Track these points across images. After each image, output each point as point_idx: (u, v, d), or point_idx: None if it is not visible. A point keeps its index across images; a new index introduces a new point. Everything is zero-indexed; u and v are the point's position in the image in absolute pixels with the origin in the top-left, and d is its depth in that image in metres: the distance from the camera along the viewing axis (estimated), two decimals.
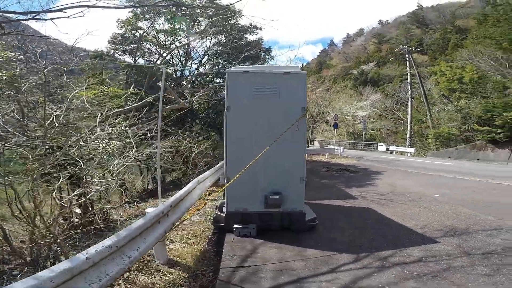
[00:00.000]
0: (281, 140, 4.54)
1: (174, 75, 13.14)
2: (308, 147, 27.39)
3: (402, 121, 30.73)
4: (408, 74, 27.52)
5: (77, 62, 8.85)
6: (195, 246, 4.05)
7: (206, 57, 13.33)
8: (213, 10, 10.98)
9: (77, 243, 3.93)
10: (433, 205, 6.73)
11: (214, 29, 12.04)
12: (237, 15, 11.32)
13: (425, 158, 22.41)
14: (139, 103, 7.67)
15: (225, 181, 4.78)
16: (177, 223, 3.86)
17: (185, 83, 12.83)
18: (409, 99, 26.99)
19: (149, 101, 7.97)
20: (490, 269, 3.23)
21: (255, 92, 4.65)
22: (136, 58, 11.23)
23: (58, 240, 3.56)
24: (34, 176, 4.06)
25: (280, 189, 4.65)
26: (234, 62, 12.30)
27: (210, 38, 11.64)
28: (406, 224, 5.18)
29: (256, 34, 14.36)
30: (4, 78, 5.15)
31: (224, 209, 4.92)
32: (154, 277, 3.11)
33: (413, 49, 30.65)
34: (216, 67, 13.68)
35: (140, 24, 11.44)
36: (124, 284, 2.93)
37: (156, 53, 12.65)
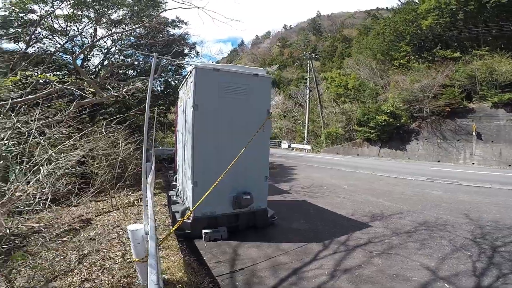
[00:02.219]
0: (245, 141, 4.76)
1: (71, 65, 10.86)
2: None
3: (300, 121, 35.56)
4: (308, 78, 32.19)
5: None
6: (173, 259, 3.80)
7: (116, 47, 11.60)
8: None
9: None
10: (348, 195, 8.45)
11: (131, 19, 10.69)
12: (162, 5, 10.46)
13: (319, 154, 26.90)
14: (38, 94, 6.17)
15: (191, 185, 4.63)
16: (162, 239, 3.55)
17: (103, 76, 10.88)
18: (307, 101, 31.63)
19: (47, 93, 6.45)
20: (418, 244, 4.51)
21: (224, 91, 4.70)
22: (27, 45, 8.68)
23: None
24: None
25: (248, 189, 4.89)
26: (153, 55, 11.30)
27: (128, 30, 10.20)
28: (340, 212, 6.39)
29: (180, 29, 13.65)
30: None
31: (189, 215, 4.75)
32: None
33: (313, 55, 35.72)
34: (130, 59, 12.20)
35: (34, 6, 8.83)
36: None
37: (50, 40, 10.09)
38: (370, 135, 23.63)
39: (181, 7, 5.39)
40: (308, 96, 31.42)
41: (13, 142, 4.34)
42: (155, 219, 4.52)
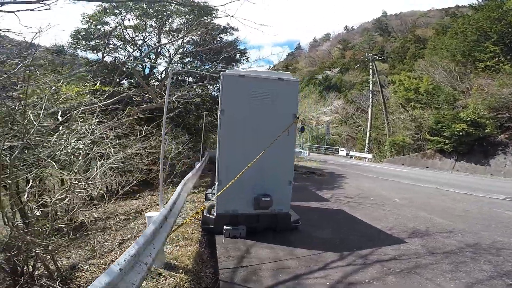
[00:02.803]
0: (273, 144, 4.90)
1: (143, 73, 12.70)
2: None
3: (362, 128, 33.38)
4: (370, 82, 30.15)
5: (36, 57, 8.15)
6: (189, 249, 4.20)
7: (178, 56, 13.12)
8: (188, 7, 10.90)
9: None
10: (396, 208, 7.71)
11: (188, 27, 11.97)
12: (213, 13, 11.43)
13: (381, 164, 24.80)
14: (111, 100, 7.41)
15: (216, 183, 4.99)
16: (175, 226, 3.98)
17: (154, 82, 12.51)
18: (370, 106, 29.56)
19: (118, 99, 7.70)
20: (451, 266, 3.96)
21: (249, 97, 4.94)
22: (103, 55, 10.63)
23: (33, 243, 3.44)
24: None
25: (269, 191, 4.99)
26: (208, 62, 12.34)
27: (182, 37, 11.48)
28: (376, 226, 5.92)
29: (232, 35, 14.57)
30: None
31: (213, 211, 5.12)
32: (158, 281, 3.22)
33: (376, 57, 33.39)
34: (190, 66, 13.58)
35: (107, 19, 10.85)
36: None
37: (123, 50, 12.13)
38: (444, 146, 20.70)
39: (214, 17, 5.86)
40: (371, 100, 29.37)
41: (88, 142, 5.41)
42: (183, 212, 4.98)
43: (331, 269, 3.75)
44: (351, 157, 30.27)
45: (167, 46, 12.42)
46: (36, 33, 8.06)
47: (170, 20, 11.79)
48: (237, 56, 14.45)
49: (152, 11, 11.54)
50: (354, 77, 49.85)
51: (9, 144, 4.35)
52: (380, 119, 30.81)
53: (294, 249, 4.42)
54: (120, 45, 11.79)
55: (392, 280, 3.49)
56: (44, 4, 5.11)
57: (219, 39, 13.24)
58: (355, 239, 5.02)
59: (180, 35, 11.53)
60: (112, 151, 5.53)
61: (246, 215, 4.99)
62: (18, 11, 5.19)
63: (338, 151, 33.28)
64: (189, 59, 13.32)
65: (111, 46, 11.80)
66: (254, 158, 4.65)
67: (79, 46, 11.21)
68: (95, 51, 11.30)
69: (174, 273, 3.41)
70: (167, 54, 13.04)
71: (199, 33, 11.42)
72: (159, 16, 11.49)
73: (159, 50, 12.23)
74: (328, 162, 24.10)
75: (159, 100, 7.69)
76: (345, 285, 3.33)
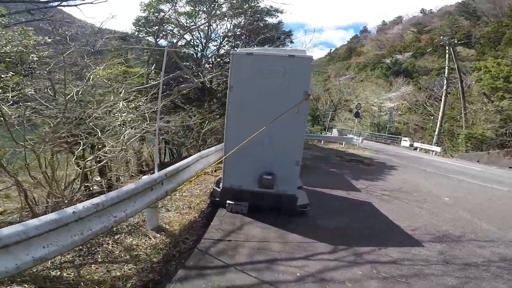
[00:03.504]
0: (281, 122, 4.56)
1: (195, 56, 13.26)
2: (325, 134, 26.93)
3: (432, 117, 28.89)
4: (446, 67, 25.45)
5: (103, 43, 9.30)
6: (186, 217, 4.36)
7: (226, 39, 13.18)
8: None
9: None
10: (437, 208, 6.55)
11: (234, 11, 11.82)
12: None
13: (450, 159, 21.25)
14: (155, 82, 8.03)
15: (224, 158, 4.98)
16: (171, 192, 4.14)
17: (204, 64, 12.91)
18: (444, 94, 25.19)
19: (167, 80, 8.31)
20: (459, 281, 3.19)
21: (258, 74, 4.66)
22: (158, 40, 11.43)
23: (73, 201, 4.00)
24: (53, 143, 4.55)
25: (274, 170, 4.75)
26: (252, 44, 12.09)
27: (229, 20, 11.46)
28: (399, 224, 5.12)
29: (277, 17, 13.91)
30: (35, 59, 5.69)
31: (221, 185, 5.16)
32: (140, 240, 3.44)
33: (456, 41, 27.84)
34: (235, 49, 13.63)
35: (162, 6, 11.49)
36: (112, 244, 3.29)
37: (178, 34, 12.76)
38: None
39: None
40: (445, 87, 24.96)
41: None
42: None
43: (313, 261, 3.40)
44: (416, 148, 26.70)
45: (217, 30, 12.63)
46: (102, 22, 9.01)
47: (216, 5, 11.86)
48: (282, 38, 13.79)
49: None
50: (430, 63, 42.84)
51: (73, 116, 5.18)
52: (456, 109, 26.15)
53: (288, 233, 4.15)
54: (175, 30, 12.49)
55: (372, 285, 2.97)
56: None
57: (263, 21, 12.81)
58: (362, 234, 4.44)
59: (226, 19, 11.56)
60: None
61: (249, 192, 4.87)
62: (80, 4, 6.02)
63: (400, 141, 29.75)
64: (237, 42, 13.30)
65: (168, 31, 12.60)
66: (261, 134, 4.47)
67: (140, 33, 12.31)
68: (153, 36, 12.25)
69: (159, 235, 3.60)
70: (216, 38, 13.33)
71: (243, 16, 11.22)
72: (208, 2, 11.65)
73: (209, 34, 12.55)
74: (385, 151, 21.78)
75: (195, 80, 7.98)
76: (316, 279, 2.97)
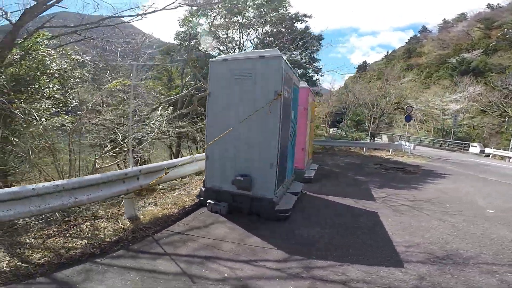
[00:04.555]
0: (255, 124, 4.47)
1: None
2: (372, 140, 24.45)
3: (507, 119, 23.41)
4: None
5: (149, 57, 10.64)
6: (165, 211, 4.53)
7: (261, 46, 13.37)
8: None
9: None
10: (467, 221, 5.27)
11: (261, 19, 11.97)
12: (285, 4, 10.89)
13: None
14: (183, 93, 8.81)
15: (205, 159, 5.07)
16: (147, 187, 4.42)
17: None
18: None
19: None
20: None
21: (233, 78, 4.66)
22: (192, 51, 12.33)
23: None
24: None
25: (251, 173, 4.60)
26: (284, 51, 11.97)
27: (257, 28, 11.65)
28: (396, 238, 4.23)
29: (306, 22, 13.51)
30: (84, 74, 6.85)
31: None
32: (110, 224, 3.75)
33: None
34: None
35: (200, 20, 12.47)
36: (88, 225, 3.68)
37: (216, 48, 13.59)
38: None
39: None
40: None
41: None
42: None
43: (252, 266, 3.10)
44: (487, 155, 22.02)
45: (249, 39, 12.96)
46: (145, 38, 10.31)
47: (246, 13, 12.17)
48: (312, 42, 13.24)
49: (236, 11, 12.26)
50: (505, 60, 34.99)
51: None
52: None
53: (251, 236, 3.88)
54: (212, 42, 13.30)
55: None
56: (142, 16, 6.82)
57: (293, 28, 12.57)
58: (337, 247, 3.78)
59: (256, 27, 11.78)
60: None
61: (228, 193, 4.81)
62: (132, 21, 7.18)
63: (468, 147, 24.97)
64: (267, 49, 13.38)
65: (207, 44, 13.51)
66: (237, 136, 4.50)
67: (182, 46, 13.46)
68: (193, 50, 13.24)
69: (128, 222, 3.85)
70: (249, 45, 13.65)
71: (272, 23, 11.28)
72: (241, 13, 12.08)
73: (242, 43, 12.97)
74: (443, 159, 18.61)
75: None
76: (238, 284, 2.71)
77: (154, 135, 6.67)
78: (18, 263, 2.51)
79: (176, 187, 6.43)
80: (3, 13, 5.65)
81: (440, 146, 28.94)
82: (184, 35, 13.32)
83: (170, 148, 12.69)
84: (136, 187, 4.13)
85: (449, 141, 27.90)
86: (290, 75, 5.18)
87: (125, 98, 8.11)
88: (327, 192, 7.03)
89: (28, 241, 3.02)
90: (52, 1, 5.50)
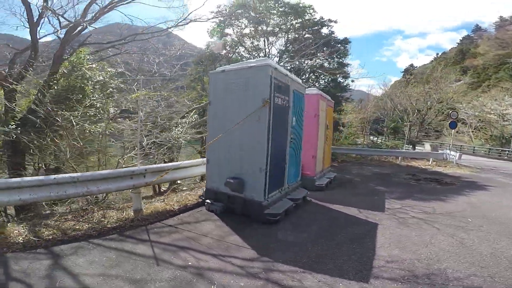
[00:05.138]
0: (248, 130, 4.72)
1: None
2: (412, 149, 22.34)
3: None
4: None
5: (181, 68, 11.72)
6: (167, 207, 5.05)
7: (286, 54, 13.54)
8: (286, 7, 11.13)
9: None
10: (479, 239, 4.63)
11: (285, 26, 12.12)
12: (306, 9, 10.87)
13: None
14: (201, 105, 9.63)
15: (206, 162, 5.48)
16: (153, 184, 4.99)
17: None
18: None
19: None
20: None
21: (229, 88, 5.01)
22: (223, 62, 13.04)
23: None
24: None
25: (243, 176, 4.85)
26: (310, 58, 11.96)
27: (281, 36, 11.83)
28: (381, 252, 3.91)
29: (332, 27, 13.20)
30: (119, 85, 7.97)
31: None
32: (116, 214, 4.37)
33: None
34: (295, 63, 13.75)
35: (226, 30, 13.17)
36: (100, 213, 4.35)
37: (244, 58, 14.17)
38: None
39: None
40: None
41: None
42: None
43: (217, 260, 3.31)
44: None
45: (276, 46, 13.26)
46: (179, 49, 11.41)
47: (271, 21, 12.46)
48: (338, 46, 12.84)
49: (261, 19, 12.67)
50: None
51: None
52: None
53: (233, 235, 4.08)
54: (239, 51, 13.92)
55: None
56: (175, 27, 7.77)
57: (319, 33, 12.44)
58: (308, 255, 3.67)
59: (280, 36, 12.01)
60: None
61: (224, 194, 5.11)
62: (168, 33, 8.24)
63: None
64: (291, 57, 13.46)
65: (235, 53, 14.20)
66: (232, 141, 4.86)
67: (212, 56, 14.35)
68: (223, 60, 14.04)
69: (131, 213, 4.45)
70: (274, 52, 13.90)
71: (296, 30, 11.42)
72: (265, 22, 12.45)
73: (267, 51, 13.30)
74: (495, 169, 16.14)
75: None
76: (196, 270, 3.00)
77: (174, 141, 7.30)
78: (31, 238, 3.19)
79: (192, 186, 6.97)
80: (55, 30, 6.95)
81: (499, 155, 25.08)
82: (213, 45, 14.27)
83: (200, 153, 13.41)
84: (142, 184, 4.72)
85: (509, 150, 23.97)
86: (286, 82, 5.29)
87: (157, 106, 9.02)
88: (333, 201, 6.81)
89: (48, 222, 3.75)
90: (88, 21, 6.61)
